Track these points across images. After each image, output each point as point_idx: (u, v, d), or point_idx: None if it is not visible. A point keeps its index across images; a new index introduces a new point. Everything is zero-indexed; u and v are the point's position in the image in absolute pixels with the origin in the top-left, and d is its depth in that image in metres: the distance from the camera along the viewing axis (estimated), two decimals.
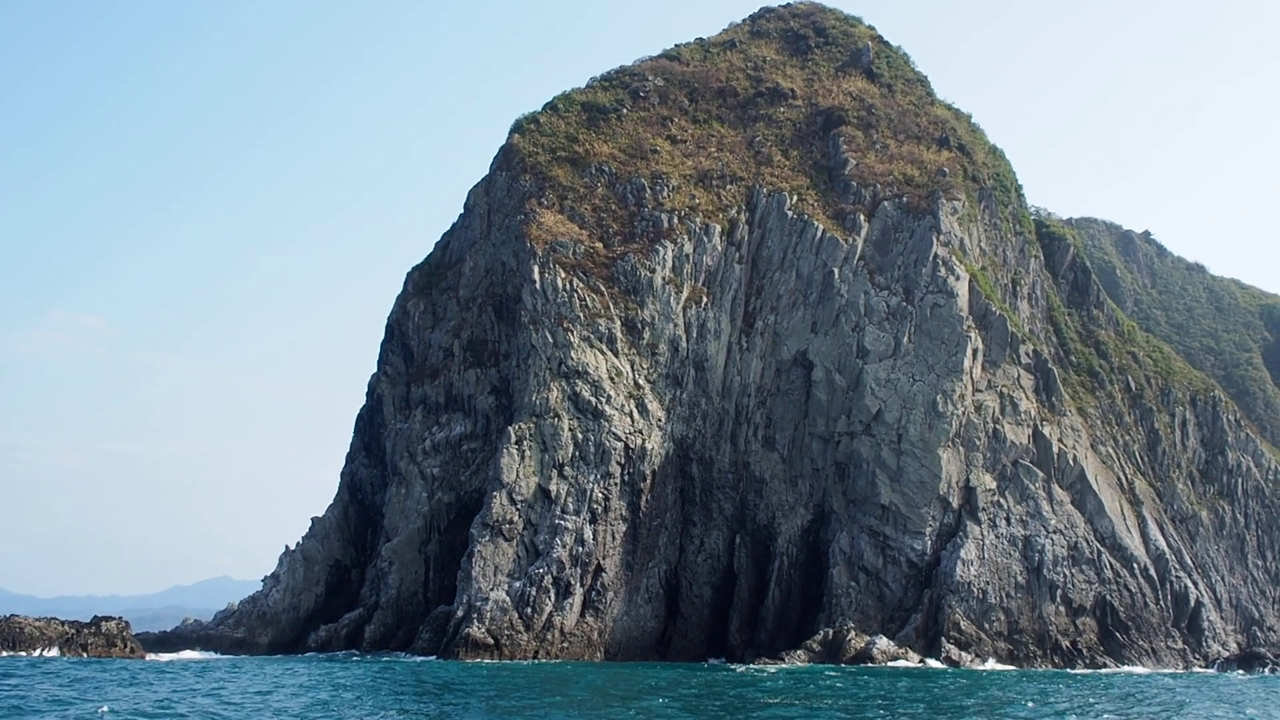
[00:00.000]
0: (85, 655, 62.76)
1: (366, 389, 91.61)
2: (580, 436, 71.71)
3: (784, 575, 75.65)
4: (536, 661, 62.65)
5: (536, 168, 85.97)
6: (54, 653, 63.01)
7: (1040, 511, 77.45)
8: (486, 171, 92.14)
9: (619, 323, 76.68)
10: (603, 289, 77.49)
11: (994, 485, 77.27)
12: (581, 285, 76.89)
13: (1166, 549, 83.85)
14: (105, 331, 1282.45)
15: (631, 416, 73.83)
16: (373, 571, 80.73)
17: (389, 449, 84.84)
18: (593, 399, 72.88)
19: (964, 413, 77.45)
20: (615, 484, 71.66)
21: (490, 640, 63.30)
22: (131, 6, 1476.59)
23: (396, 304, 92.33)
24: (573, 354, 73.71)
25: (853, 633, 68.54)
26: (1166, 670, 74.00)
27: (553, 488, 69.91)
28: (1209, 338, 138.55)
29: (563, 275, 76.73)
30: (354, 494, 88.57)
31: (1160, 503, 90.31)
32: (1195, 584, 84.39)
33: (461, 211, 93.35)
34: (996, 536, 75.67)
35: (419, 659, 64.06)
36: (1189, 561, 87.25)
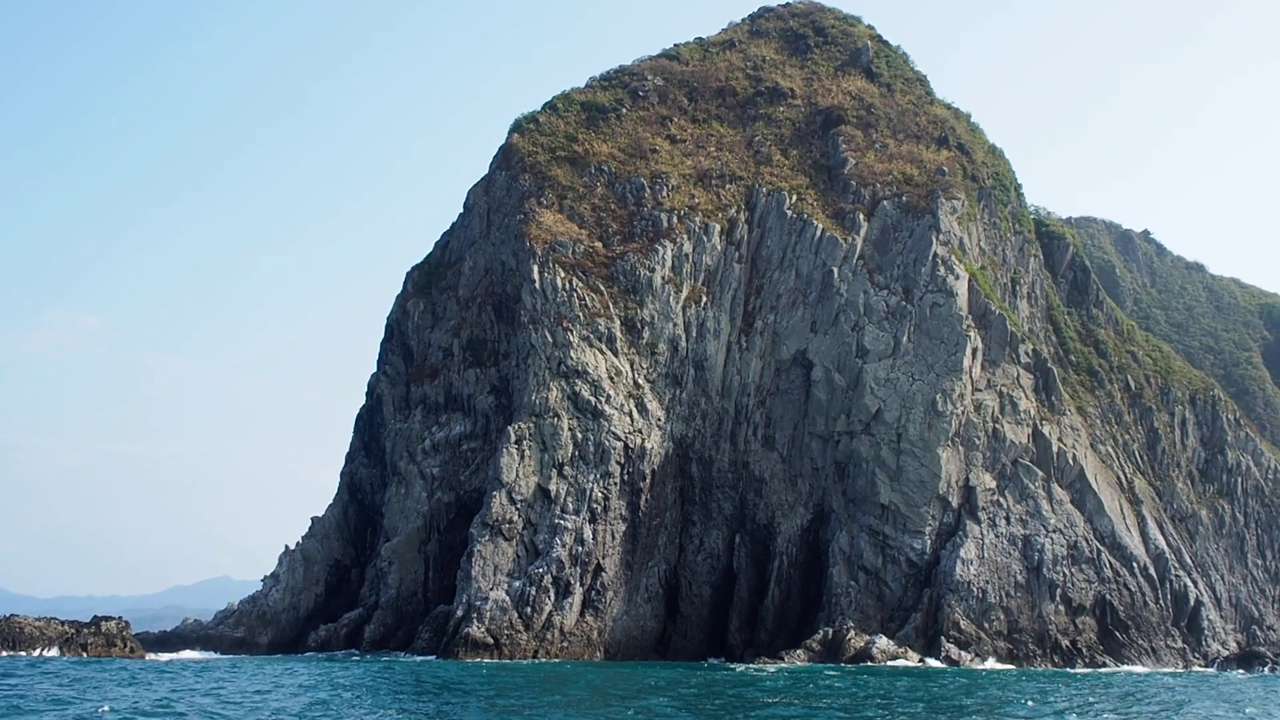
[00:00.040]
0: (85, 655, 62.79)
1: (366, 389, 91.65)
2: (580, 436, 71.73)
3: (784, 575, 75.68)
4: (536, 661, 62.66)
5: (536, 167, 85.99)
6: (54, 652, 63.05)
7: (1040, 511, 77.47)
8: (486, 171, 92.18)
9: (618, 322, 76.69)
10: (602, 288, 77.50)
11: (993, 484, 77.28)
12: (581, 285, 76.91)
13: (1166, 548, 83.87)
14: (104, 331, 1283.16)
15: (631, 416, 73.84)
16: (372, 571, 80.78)
17: (389, 449, 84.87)
18: (592, 398, 72.90)
19: (963, 412, 77.47)
20: (615, 483, 71.67)
21: (490, 640, 63.32)
22: (131, 6, 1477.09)
23: (396, 304, 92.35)
24: (572, 353, 73.73)
25: (852, 632, 68.56)
26: (1166, 669, 74.01)
27: (552, 487, 69.92)
28: (1208, 337, 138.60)
29: (562, 275, 76.74)
30: (354, 494, 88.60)
31: (1160, 502, 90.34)
32: (1195, 583, 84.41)
33: (461, 211, 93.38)
34: (996, 536, 75.69)
35: (418, 659, 64.08)
36: (1188, 561, 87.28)
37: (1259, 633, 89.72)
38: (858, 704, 38.34)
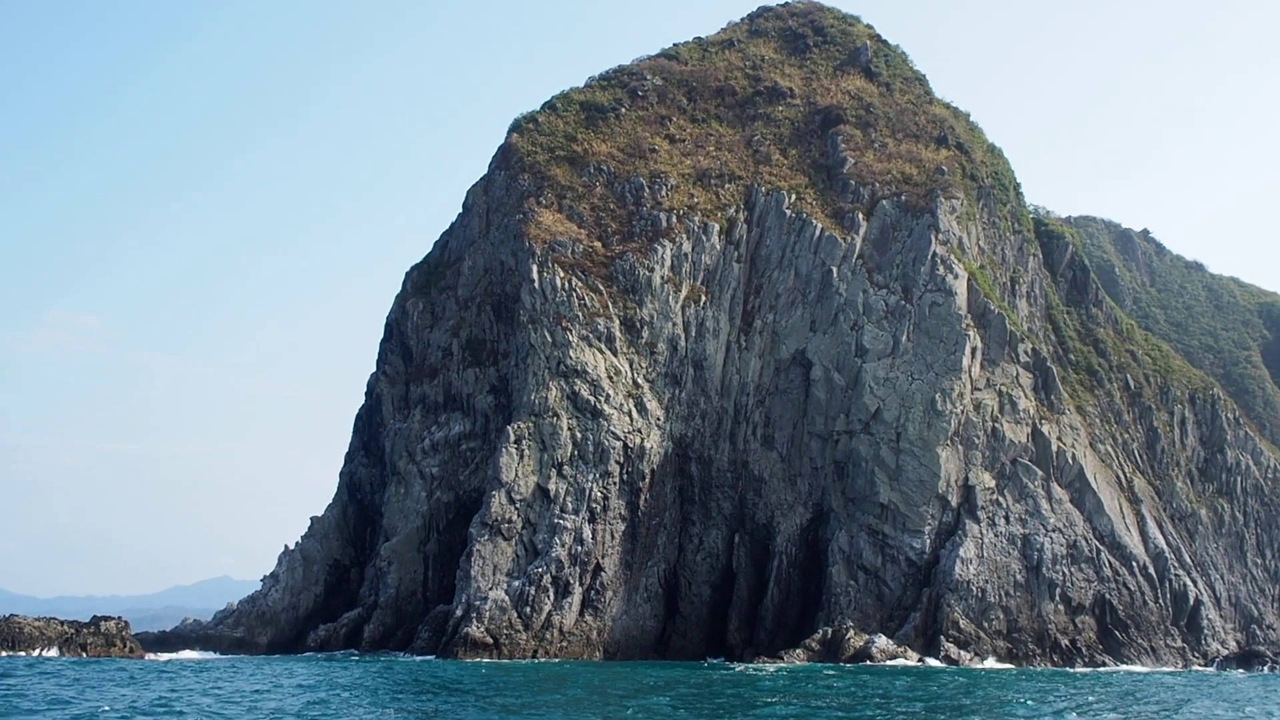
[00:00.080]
0: (84, 655, 62.81)
1: (365, 389, 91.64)
2: (579, 436, 71.73)
3: (783, 574, 75.68)
4: (535, 661, 62.66)
5: (535, 167, 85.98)
6: (53, 653, 63.07)
7: (1039, 510, 77.47)
8: (485, 171, 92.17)
9: (618, 322, 76.69)
10: (601, 288, 77.50)
11: (993, 484, 77.29)
12: (580, 284, 76.91)
13: (1165, 547, 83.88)
14: (104, 331, 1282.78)
15: (630, 415, 73.84)
16: (372, 571, 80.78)
17: (388, 448, 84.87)
18: (591, 398, 72.90)
19: (963, 411, 77.48)
20: (614, 483, 71.67)
21: (489, 640, 63.32)
22: (131, 6, 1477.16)
23: (395, 303, 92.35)
24: (571, 353, 73.73)
25: (852, 631, 68.58)
26: (1166, 669, 74.00)
27: (551, 487, 69.92)
28: (1208, 336, 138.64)
29: (561, 274, 76.74)
30: (353, 493, 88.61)
31: (1159, 501, 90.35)
32: (1194, 582, 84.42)
33: (460, 211, 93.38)
34: (995, 535, 75.70)
35: (418, 658, 64.08)
36: (1188, 560, 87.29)
37: (1258, 632, 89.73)
38: (857, 703, 38.34)
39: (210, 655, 73.32)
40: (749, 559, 76.94)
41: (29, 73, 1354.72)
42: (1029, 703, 40.44)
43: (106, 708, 31.65)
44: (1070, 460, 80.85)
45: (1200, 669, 75.58)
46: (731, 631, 74.26)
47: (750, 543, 77.28)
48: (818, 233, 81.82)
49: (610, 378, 74.48)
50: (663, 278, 78.69)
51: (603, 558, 69.84)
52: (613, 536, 70.78)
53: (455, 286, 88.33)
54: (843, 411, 77.64)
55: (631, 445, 72.89)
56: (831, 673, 55.52)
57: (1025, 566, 75.64)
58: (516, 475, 69.59)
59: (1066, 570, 76.26)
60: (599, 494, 70.74)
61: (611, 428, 72.41)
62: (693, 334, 78.74)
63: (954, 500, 75.87)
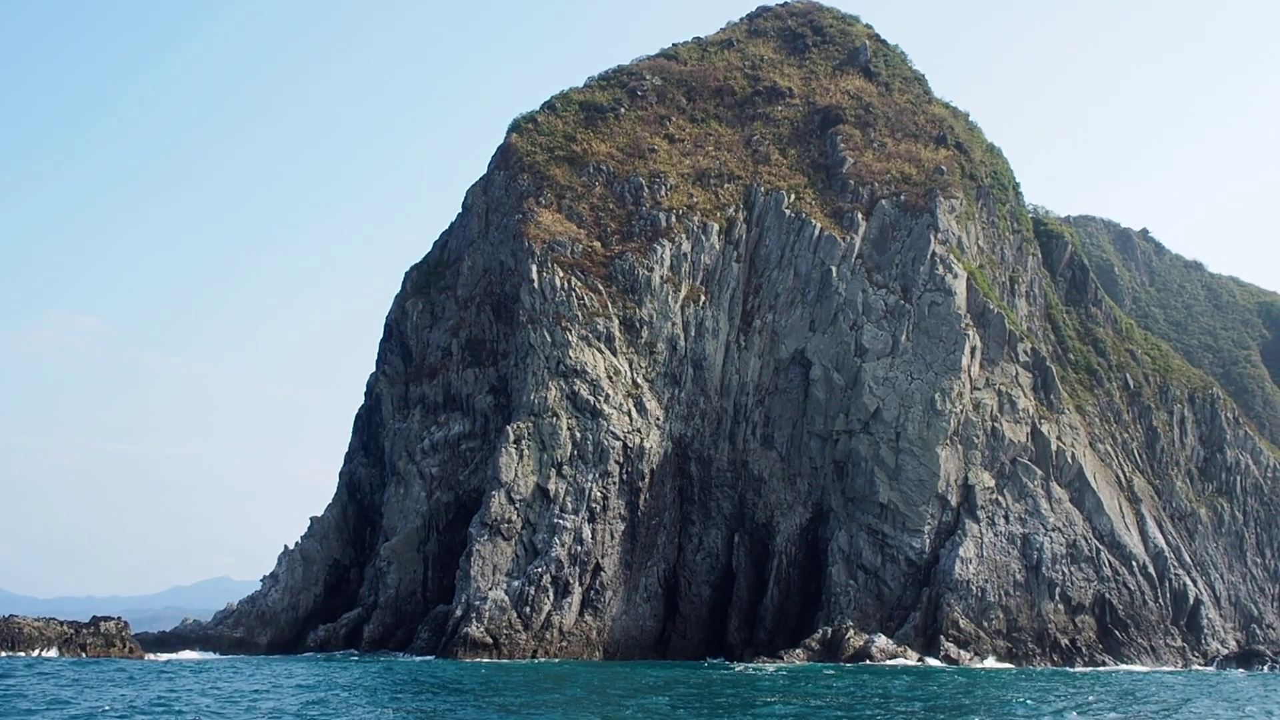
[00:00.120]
0: (84, 655, 62.79)
1: (365, 389, 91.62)
2: (579, 435, 71.73)
3: (783, 574, 75.68)
4: (535, 661, 62.66)
5: (534, 167, 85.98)
6: (53, 653, 63.04)
7: (1039, 509, 77.48)
8: (485, 171, 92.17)
9: (617, 322, 76.69)
10: (601, 288, 77.49)
11: (992, 483, 77.31)
12: (580, 284, 76.90)
13: (1165, 547, 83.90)
14: (104, 332, 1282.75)
15: (630, 415, 73.84)
16: (371, 571, 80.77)
17: (388, 448, 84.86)
18: (591, 398, 72.89)
19: (962, 411, 77.49)
20: (614, 483, 71.67)
21: (489, 640, 63.32)
22: (131, 6, 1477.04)
23: (395, 304, 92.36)
24: (571, 353, 73.73)
25: (851, 631, 68.58)
26: (1165, 668, 74.03)
27: (551, 487, 69.91)
28: (1207, 335, 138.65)
29: (561, 274, 76.74)
30: (353, 494, 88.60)
31: (1159, 500, 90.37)
32: (1194, 581, 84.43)
33: (460, 211, 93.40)
34: (995, 534, 75.70)
35: (418, 659, 64.08)
36: (1188, 559, 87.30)
37: (1258, 631, 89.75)
38: (856, 703, 38.35)
39: (210, 656, 73.31)
40: (749, 559, 76.95)
41: (29, 73, 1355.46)
42: (1029, 702, 40.45)
43: (106, 708, 31.65)
44: (1070, 460, 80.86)
45: (1200, 668, 75.61)
46: (731, 631, 74.26)
47: (750, 542, 77.29)
48: (817, 232, 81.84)
49: (610, 377, 74.48)
50: (662, 277, 78.69)
51: (602, 558, 69.84)
52: (612, 536, 70.78)
53: (455, 286, 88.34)
54: (842, 411, 77.65)
55: (631, 445, 72.89)
56: (831, 672, 55.53)
57: (1025, 566, 75.65)
58: (516, 475, 69.60)
59: (1066, 570, 76.27)
60: (598, 494, 70.75)
61: (611, 427, 72.41)
62: (692, 334, 78.75)
63: (953, 500, 75.88)
